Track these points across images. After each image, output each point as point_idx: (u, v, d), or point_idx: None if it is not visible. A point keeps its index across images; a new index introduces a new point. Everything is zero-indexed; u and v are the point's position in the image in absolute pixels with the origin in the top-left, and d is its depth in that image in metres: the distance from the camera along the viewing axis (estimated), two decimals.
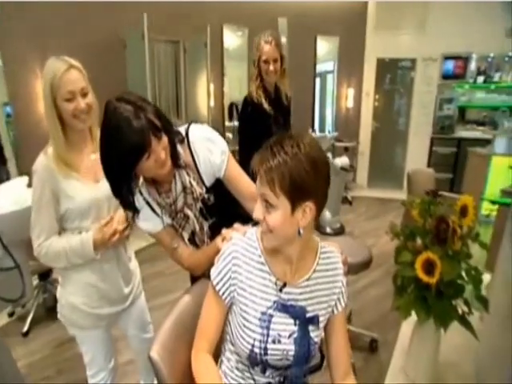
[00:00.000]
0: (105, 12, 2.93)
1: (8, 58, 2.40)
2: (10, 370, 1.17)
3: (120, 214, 1.12)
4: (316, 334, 0.81)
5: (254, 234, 0.81)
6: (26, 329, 2.13)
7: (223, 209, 1.02)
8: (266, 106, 1.71)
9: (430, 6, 4.46)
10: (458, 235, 1.24)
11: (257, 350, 0.75)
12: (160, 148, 0.84)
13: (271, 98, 1.76)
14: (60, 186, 1.03)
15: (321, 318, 0.82)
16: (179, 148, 0.94)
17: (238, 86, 4.20)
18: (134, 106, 0.82)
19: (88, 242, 1.05)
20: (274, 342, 0.76)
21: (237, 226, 0.87)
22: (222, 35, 3.86)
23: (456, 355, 1.46)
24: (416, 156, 4.93)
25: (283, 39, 4.22)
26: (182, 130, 0.98)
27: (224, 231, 0.88)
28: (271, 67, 1.65)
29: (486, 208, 2.95)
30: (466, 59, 4.60)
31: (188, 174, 0.96)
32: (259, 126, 1.69)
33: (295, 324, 0.78)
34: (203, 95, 3.41)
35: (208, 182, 0.99)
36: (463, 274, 1.22)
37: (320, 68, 4.86)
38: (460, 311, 1.22)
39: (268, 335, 0.76)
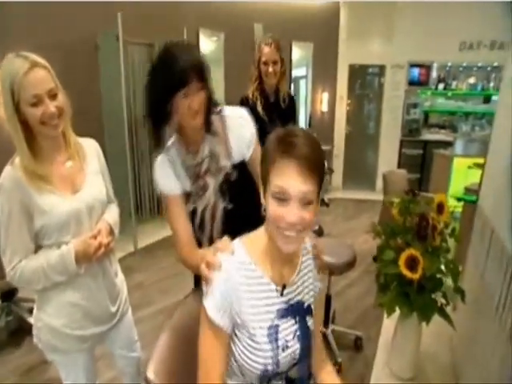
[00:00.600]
0: (74, 10, 2.79)
1: None
2: None
3: (104, 226, 1.04)
4: (311, 323, 0.80)
5: (240, 247, 0.75)
6: (36, 341, 1.92)
7: (242, 196, 1.00)
8: (259, 108, 1.72)
9: (396, 17, 4.75)
10: (437, 231, 1.32)
11: (270, 368, 0.71)
12: (196, 97, 0.90)
13: (269, 100, 1.77)
14: (32, 200, 0.91)
15: (312, 306, 0.81)
16: (214, 117, 1.00)
17: (218, 87, 4.19)
18: (190, 51, 0.94)
19: (69, 255, 0.95)
20: (283, 350, 0.73)
21: (222, 244, 0.77)
22: (198, 39, 3.82)
23: (434, 345, 1.55)
24: (387, 158, 5.18)
25: None
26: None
27: (218, 243, 0.79)
28: (270, 69, 1.68)
29: (451, 205, 3.15)
30: (428, 67, 4.95)
31: (218, 143, 1.00)
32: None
33: (296, 322, 0.76)
34: None
35: (235, 158, 1.02)
36: (443, 268, 1.30)
37: (293, 73, 4.98)
38: (438, 303, 1.29)
39: (278, 347, 0.72)
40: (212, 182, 1.00)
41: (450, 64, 4.93)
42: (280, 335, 0.73)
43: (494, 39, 4.55)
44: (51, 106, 0.89)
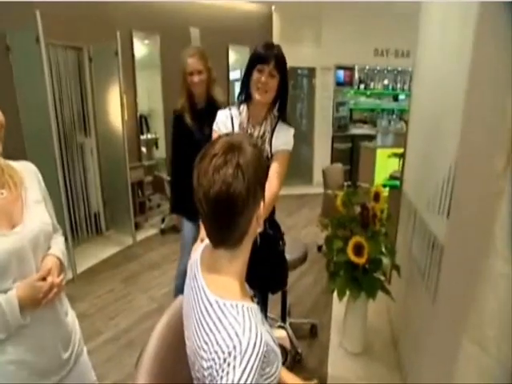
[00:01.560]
0: None
1: None
2: None
3: (53, 262, 0.91)
4: None
5: None
6: None
7: None
8: (187, 119, 1.80)
9: (323, 23, 5.23)
10: (377, 218, 1.51)
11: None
12: (270, 79, 1.22)
13: (198, 109, 1.82)
14: None
15: None
16: (274, 112, 1.33)
17: (148, 96, 4.04)
18: (274, 46, 1.26)
19: (10, 305, 0.79)
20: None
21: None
22: (132, 43, 3.63)
23: (377, 321, 1.79)
24: (321, 153, 5.65)
25: None
26: None
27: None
28: (196, 79, 1.73)
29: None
30: (351, 69, 5.56)
31: (269, 131, 1.30)
32: (183, 138, 1.81)
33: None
34: (115, 108, 3.12)
35: (273, 148, 1.31)
36: (383, 250, 1.50)
37: (235, 75, 5.06)
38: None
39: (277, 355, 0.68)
40: None
41: (367, 67, 5.62)
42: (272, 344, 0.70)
43: (399, 48, 5.44)
44: None
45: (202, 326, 0.62)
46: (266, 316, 1.65)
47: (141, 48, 3.86)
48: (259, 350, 0.56)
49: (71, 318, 1.04)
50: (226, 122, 1.34)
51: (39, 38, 2.33)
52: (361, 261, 1.38)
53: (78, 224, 3.36)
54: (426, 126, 1.40)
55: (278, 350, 0.67)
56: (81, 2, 3.00)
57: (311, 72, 5.52)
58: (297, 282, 2.85)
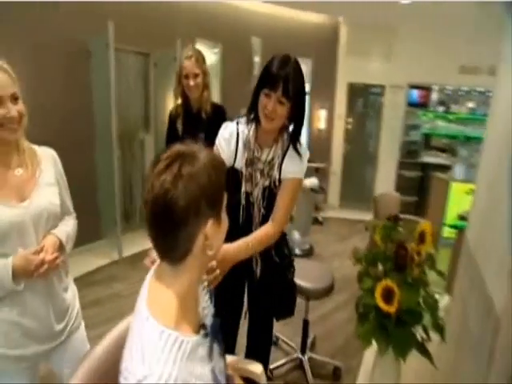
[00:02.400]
0: (66, 15, 2.81)
1: None
2: None
3: (51, 241, 0.99)
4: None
5: None
6: None
7: (270, 208, 1.16)
8: (178, 124, 1.78)
9: (396, 36, 4.76)
10: (415, 262, 1.23)
11: None
12: (279, 106, 1.04)
13: (192, 114, 1.78)
14: None
15: None
16: (285, 135, 1.16)
17: (214, 98, 4.18)
18: (287, 64, 1.05)
19: (6, 270, 0.89)
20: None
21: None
22: None
23: (415, 380, 1.42)
24: (385, 178, 5.12)
25: (256, 59, 4.31)
26: None
27: None
28: (191, 82, 1.69)
29: (447, 231, 3.06)
30: (427, 89, 4.94)
31: (279, 155, 1.15)
32: (173, 141, 1.73)
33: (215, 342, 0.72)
34: None
35: (281, 175, 1.15)
36: (421, 301, 1.20)
37: None
38: (419, 338, 1.18)
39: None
40: (260, 183, 1.15)
41: (450, 87, 4.93)
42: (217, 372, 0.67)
43: (493, 64, 4.53)
44: (13, 110, 0.90)
45: (132, 339, 0.60)
46: (268, 343, 1.51)
47: (210, 56, 4.07)
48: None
49: (71, 294, 1.12)
50: (229, 140, 1.16)
51: (109, 44, 2.66)
52: (390, 309, 1.11)
53: (133, 212, 3.62)
54: (504, 162, 1.07)
55: None
56: (150, 12, 3.30)
57: (379, 90, 5.13)
58: (329, 315, 2.53)
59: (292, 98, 1.04)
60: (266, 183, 1.15)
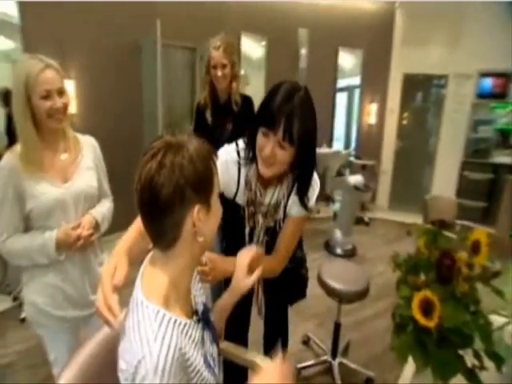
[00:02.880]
0: (122, 15, 3.02)
1: None
2: None
3: (88, 219, 1.11)
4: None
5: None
6: (22, 315, 2.15)
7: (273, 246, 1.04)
8: (208, 114, 1.75)
9: (465, 18, 4.16)
10: (463, 275, 1.06)
11: None
12: (279, 150, 0.84)
13: (220, 105, 1.76)
14: (25, 185, 1.01)
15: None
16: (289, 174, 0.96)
17: (253, 95, 4.17)
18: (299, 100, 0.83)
19: (51, 241, 1.03)
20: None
21: None
22: (239, 43, 3.83)
23: None
24: (443, 180, 4.58)
25: (303, 51, 4.17)
26: None
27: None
28: (219, 73, 1.65)
29: None
30: (506, 77, 4.15)
31: (284, 196, 0.98)
32: (202, 132, 1.75)
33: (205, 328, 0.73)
34: None
35: (286, 214, 1.01)
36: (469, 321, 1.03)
37: (348, 82, 4.72)
38: (469, 363, 1.02)
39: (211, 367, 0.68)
40: (260, 222, 1.02)
41: None
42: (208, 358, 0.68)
43: None
44: (59, 102, 1.01)
45: (126, 321, 0.62)
46: (285, 331, 1.41)
47: (257, 50, 4.04)
48: (171, 362, 0.54)
49: None
50: (230, 169, 0.98)
51: (157, 41, 2.82)
52: (428, 323, 0.97)
53: None
54: None
55: (209, 376, 0.64)
56: (197, 9, 3.37)
57: (440, 80, 4.56)
58: (366, 322, 2.36)
59: (296, 142, 0.83)
60: (270, 224, 1.03)
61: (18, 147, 1.02)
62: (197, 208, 0.60)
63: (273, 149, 0.83)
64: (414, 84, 4.73)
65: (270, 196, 0.99)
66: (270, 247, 1.06)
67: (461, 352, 1.00)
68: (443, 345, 1.01)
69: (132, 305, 0.63)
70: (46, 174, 1.04)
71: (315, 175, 1.00)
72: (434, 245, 1.17)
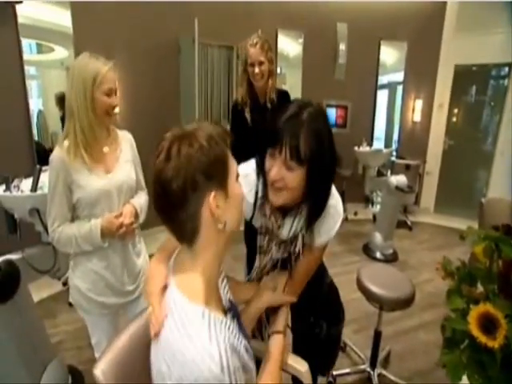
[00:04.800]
0: (161, 16, 3.12)
1: None
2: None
3: (129, 209, 1.17)
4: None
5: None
6: (70, 299, 2.29)
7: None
8: (247, 114, 1.72)
9: None
10: None
11: None
12: (286, 173, 0.75)
13: (259, 103, 1.74)
14: (72, 176, 1.08)
15: None
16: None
17: (295, 91, 4.07)
18: (308, 116, 0.75)
19: (96, 228, 1.10)
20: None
21: None
22: (276, 40, 3.80)
23: None
24: (503, 182, 4.10)
25: (342, 46, 4.01)
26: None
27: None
28: (256, 70, 1.64)
29: None
30: None
31: (302, 227, 0.87)
32: (240, 131, 1.69)
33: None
34: None
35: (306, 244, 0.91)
36: None
37: (390, 78, 4.47)
38: None
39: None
40: (276, 253, 0.92)
41: None
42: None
43: None
44: (116, 100, 1.12)
45: (165, 327, 0.58)
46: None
47: (295, 47, 3.97)
48: (231, 359, 0.54)
49: (143, 260, 1.29)
50: (246, 187, 0.80)
51: (194, 40, 2.90)
52: (490, 342, 0.83)
53: None
54: None
55: (252, 367, 0.65)
56: (233, 8, 3.39)
57: (501, 70, 4.09)
58: (411, 332, 2.18)
59: (306, 162, 0.73)
60: (285, 255, 0.93)
61: (65, 142, 1.09)
62: (212, 194, 0.58)
63: (280, 170, 0.75)
64: (468, 76, 4.32)
65: (289, 226, 0.87)
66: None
67: None
68: (508, 369, 0.87)
69: (167, 303, 0.61)
70: (92, 166, 1.10)
71: (339, 204, 0.89)
72: (495, 253, 1.03)
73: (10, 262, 1.20)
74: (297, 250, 0.90)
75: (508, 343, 0.82)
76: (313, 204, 0.82)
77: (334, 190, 0.87)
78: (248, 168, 0.88)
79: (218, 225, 0.60)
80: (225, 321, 0.60)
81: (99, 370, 0.65)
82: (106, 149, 1.15)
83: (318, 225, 0.87)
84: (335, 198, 0.88)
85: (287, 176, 0.75)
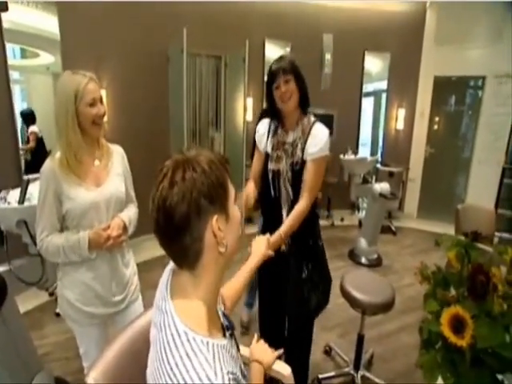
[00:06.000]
0: (149, 27, 3.15)
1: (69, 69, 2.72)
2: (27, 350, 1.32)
3: (116, 222, 1.19)
4: None
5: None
6: (57, 310, 2.25)
7: (296, 185, 1.37)
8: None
9: (507, 14, 3.88)
10: (498, 293, 0.98)
11: None
12: (287, 85, 1.30)
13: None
14: (62, 188, 1.10)
15: None
16: (305, 119, 1.37)
17: None
18: (281, 60, 1.33)
19: (84, 240, 1.12)
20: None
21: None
22: (263, 50, 3.88)
23: None
24: (480, 188, 4.30)
25: (328, 56, 4.13)
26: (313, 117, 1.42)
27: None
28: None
29: None
30: None
31: (300, 137, 1.35)
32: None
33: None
34: (240, 109, 3.46)
35: (305, 155, 1.35)
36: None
37: (375, 86, 4.62)
38: None
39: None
40: (284, 161, 1.37)
41: None
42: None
43: None
44: (101, 109, 1.13)
45: (167, 356, 0.56)
46: (308, 345, 1.56)
47: (279, 54, 4.07)
48: None
49: (131, 270, 1.32)
50: (263, 132, 1.46)
51: (183, 50, 2.92)
52: (458, 342, 0.90)
53: None
54: None
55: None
56: (221, 18, 3.46)
57: (477, 82, 4.32)
58: (392, 335, 2.26)
59: (291, 73, 1.30)
60: (295, 160, 1.36)
61: (57, 154, 1.11)
62: (215, 218, 0.59)
63: (284, 85, 1.30)
64: (447, 87, 4.53)
65: (292, 136, 1.37)
66: (293, 187, 1.38)
67: (500, 377, 0.93)
68: (477, 366, 0.94)
69: (166, 334, 0.59)
70: (82, 179, 1.13)
71: (322, 128, 1.37)
72: (465, 258, 1.11)
73: None
74: (299, 155, 1.34)
75: (475, 342, 0.90)
76: (302, 96, 1.34)
77: (323, 127, 1.37)
78: (263, 120, 1.47)
79: (220, 248, 0.61)
80: (227, 346, 0.61)
81: (91, 379, 0.67)
82: (96, 162, 1.19)
83: (309, 141, 1.34)
84: (322, 128, 1.37)
85: (288, 86, 1.30)
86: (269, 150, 1.41)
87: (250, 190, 1.38)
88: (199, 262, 0.61)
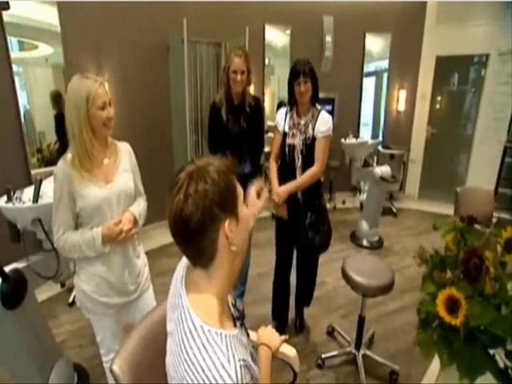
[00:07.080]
0: (150, 17, 3.11)
1: (69, 62, 2.62)
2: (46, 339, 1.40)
3: (127, 216, 1.26)
4: None
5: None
6: (71, 300, 2.40)
7: (308, 158, 1.84)
8: (223, 112, 2.00)
9: None
10: (490, 275, 1.03)
11: None
12: (305, 85, 1.72)
13: (234, 104, 2.02)
14: (75, 188, 1.16)
15: None
16: (313, 108, 1.83)
17: (283, 82, 4.11)
18: (305, 63, 1.74)
19: (97, 236, 1.19)
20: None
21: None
22: (263, 35, 3.81)
23: None
24: (481, 167, 4.28)
25: (328, 38, 4.04)
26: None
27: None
28: (238, 77, 1.90)
29: None
30: None
31: (311, 120, 1.82)
32: (217, 127, 2.04)
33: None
34: None
35: (315, 133, 1.81)
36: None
37: (377, 65, 4.52)
38: (501, 363, 1.00)
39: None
40: (298, 137, 1.83)
41: None
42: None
43: None
44: (111, 111, 1.19)
45: (185, 347, 0.63)
46: (313, 282, 2.18)
47: (282, 38, 3.98)
48: (244, 373, 0.59)
49: (142, 262, 1.39)
50: (281, 117, 1.90)
51: (184, 39, 2.89)
52: (452, 321, 0.97)
53: None
54: None
55: (256, 369, 0.70)
56: (221, 5, 3.40)
57: (479, 60, 4.23)
58: (393, 315, 2.36)
59: (309, 75, 1.71)
60: (307, 136, 1.82)
61: (68, 155, 1.17)
62: (227, 222, 0.65)
63: (304, 85, 1.72)
64: (449, 66, 4.44)
65: (305, 119, 1.83)
66: (304, 158, 1.84)
67: (492, 352, 1.00)
68: (470, 343, 1.01)
69: (183, 327, 0.65)
70: (93, 178, 1.18)
71: (327, 115, 1.82)
72: (462, 242, 1.15)
73: (17, 271, 1.27)
74: (309, 131, 1.80)
75: (467, 320, 0.96)
76: (314, 92, 1.78)
77: (327, 114, 1.84)
78: (280, 110, 1.95)
79: (232, 247, 0.67)
80: (238, 335, 0.67)
81: (116, 366, 0.74)
82: (106, 160, 1.24)
83: (318, 123, 1.79)
84: (327, 114, 1.83)
85: (306, 85, 1.73)
86: (286, 129, 1.86)
87: (274, 176, 1.90)
88: (213, 261, 0.67)
